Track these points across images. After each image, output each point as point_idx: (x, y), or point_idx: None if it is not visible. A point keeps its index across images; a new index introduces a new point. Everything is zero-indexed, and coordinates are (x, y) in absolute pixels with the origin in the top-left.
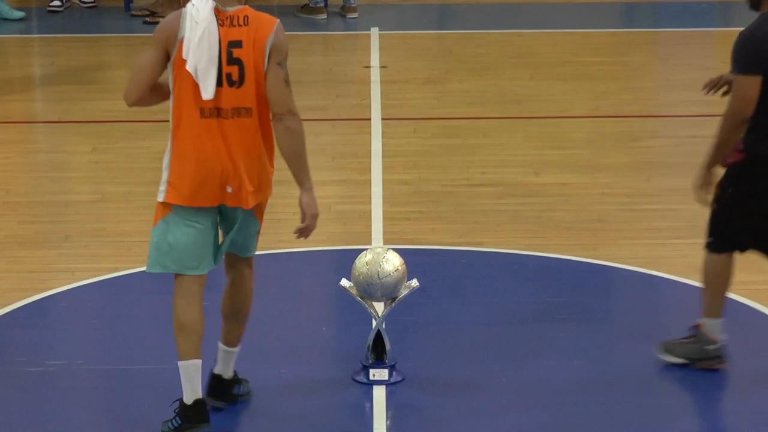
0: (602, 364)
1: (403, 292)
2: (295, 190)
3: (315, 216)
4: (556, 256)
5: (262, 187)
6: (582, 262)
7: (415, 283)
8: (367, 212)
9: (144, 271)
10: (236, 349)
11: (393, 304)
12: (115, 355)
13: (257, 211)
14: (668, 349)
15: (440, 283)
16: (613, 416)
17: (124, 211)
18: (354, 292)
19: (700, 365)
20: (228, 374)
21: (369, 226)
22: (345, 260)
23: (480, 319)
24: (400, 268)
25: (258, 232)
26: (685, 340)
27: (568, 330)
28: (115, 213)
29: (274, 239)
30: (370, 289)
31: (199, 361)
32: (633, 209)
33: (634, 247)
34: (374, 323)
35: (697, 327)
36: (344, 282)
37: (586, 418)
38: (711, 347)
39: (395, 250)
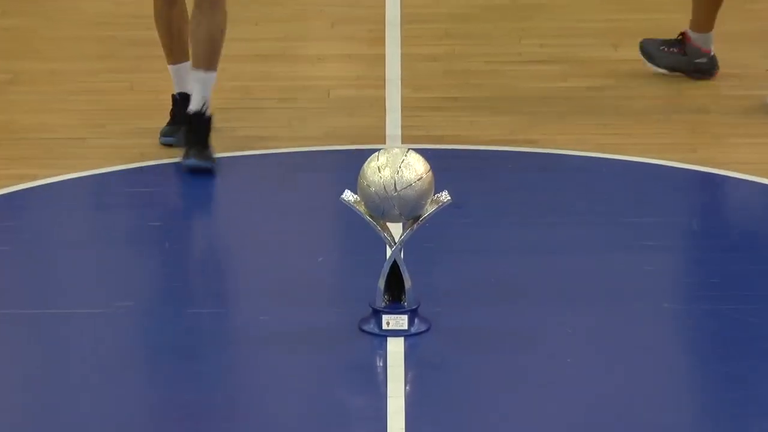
0: (701, 308)
1: (429, 210)
2: (279, 70)
3: None
4: (641, 160)
5: None
6: (676, 167)
7: (445, 196)
8: (381, 99)
9: (74, 179)
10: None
11: (415, 226)
12: (36, 296)
13: None
14: (650, 55)
15: (480, 196)
16: (714, 381)
17: (45, 96)
18: (361, 208)
19: (693, 76)
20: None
21: (383, 119)
22: (350, 165)
23: (535, 247)
24: (424, 176)
25: None
26: (673, 50)
27: (657, 262)
28: (33, 99)
29: (254, 135)
30: (384, 204)
31: None
32: (746, 96)
33: (747, 147)
34: (389, 252)
35: (684, 39)
36: (348, 195)
37: (678, 385)
38: (702, 60)
39: (418, 151)
